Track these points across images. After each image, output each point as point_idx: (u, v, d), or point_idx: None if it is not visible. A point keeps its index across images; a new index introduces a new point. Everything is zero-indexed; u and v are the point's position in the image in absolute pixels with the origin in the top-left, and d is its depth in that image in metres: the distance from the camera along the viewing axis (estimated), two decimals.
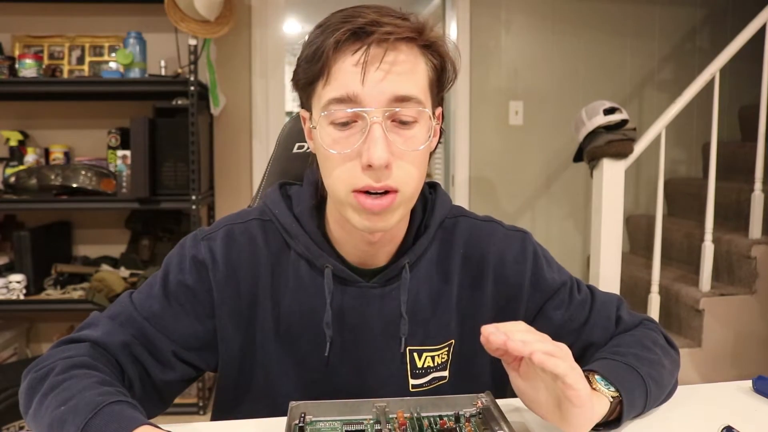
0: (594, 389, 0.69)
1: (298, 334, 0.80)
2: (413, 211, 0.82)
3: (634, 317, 0.88)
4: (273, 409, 0.79)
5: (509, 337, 0.61)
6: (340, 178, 0.71)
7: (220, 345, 0.81)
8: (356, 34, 0.68)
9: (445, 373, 0.84)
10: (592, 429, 0.71)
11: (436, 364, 0.83)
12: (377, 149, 0.67)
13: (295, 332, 0.80)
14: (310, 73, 0.71)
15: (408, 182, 0.71)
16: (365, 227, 0.72)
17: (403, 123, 0.70)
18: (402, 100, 0.69)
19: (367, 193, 0.70)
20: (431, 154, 0.80)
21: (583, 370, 0.72)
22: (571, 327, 0.85)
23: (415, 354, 0.82)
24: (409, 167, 0.71)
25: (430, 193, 0.87)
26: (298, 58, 0.74)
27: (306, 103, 0.76)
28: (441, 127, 0.80)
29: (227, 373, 0.83)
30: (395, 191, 0.70)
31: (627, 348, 0.80)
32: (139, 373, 0.77)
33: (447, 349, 0.83)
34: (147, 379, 0.78)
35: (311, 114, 0.75)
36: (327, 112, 0.70)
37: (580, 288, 0.89)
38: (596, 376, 0.72)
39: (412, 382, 0.82)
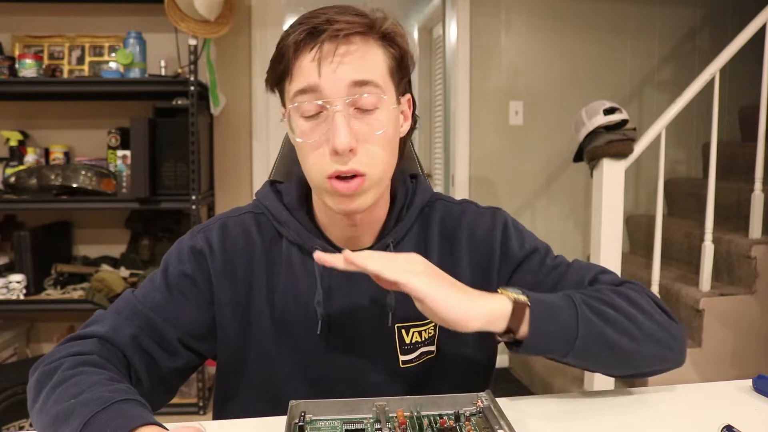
0: (499, 292, 0.73)
1: (293, 318, 0.83)
2: (395, 197, 0.87)
3: (616, 278, 0.85)
4: (271, 395, 0.83)
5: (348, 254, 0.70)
6: (313, 165, 0.76)
7: (218, 332, 0.84)
8: (311, 34, 0.74)
9: (433, 348, 0.86)
10: (508, 346, 0.73)
11: (423, 339, 0.85)
12: (340, 135, 0.72)
13: (289, 317, 0.83)
14: (277, 73, 0.78)
15: (374, 164, 0.76)
16: (341, 209, 0.78)
17: (365, 109, 0.75)
18: (359, 84, 0.74)
19: (339, 177, 0.75)
20: (405, 139, 0.85)
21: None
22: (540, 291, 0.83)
23: (403, 330, 0.84)
24: (375, 149, 0.76)
25: (412, 182, 0.92)
26: (270, 60, 0.80)
27: (282, 99, 0.82)
28: (414, 114, 0.85)
29: (226, 360, 0.85)
30: (362, 175, 0.75)
31: (578, 291, 0.78)
32: (147, 363, 0.79)
33: (433, 324, 0.86)
34: (154, 369, 0.80)
35: (286, 110, 0.80)
36: (295, 104, 0.76)
37: (558, 258, 0.89)
38: (509, 287, 0.74)
39: (402, 358, 0.84)
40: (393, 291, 0.82)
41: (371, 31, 0.76)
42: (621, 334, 0.75)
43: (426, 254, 0.86)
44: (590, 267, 0.87)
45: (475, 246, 0.87)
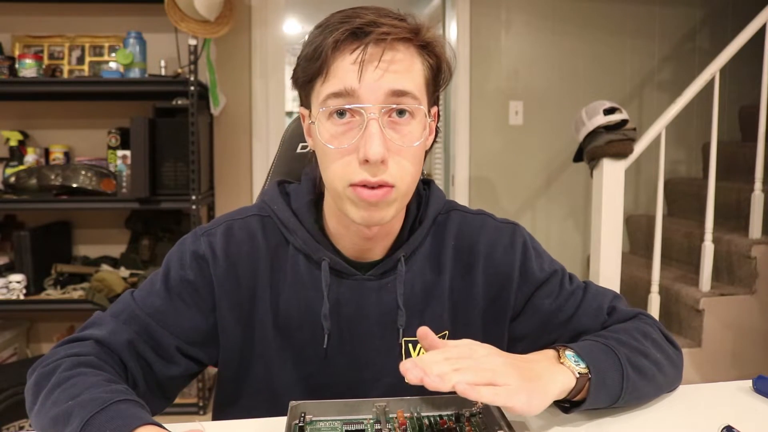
0: (561, 363, 0.72)
1: (296, 327, 0.81)
2: (408, 207, 0.84)
3: (630, 310, 0.88)
4: (272, 403, 0.81)
5: (426, 373, 0.61)
6: (337, 172, 0.73)
7: (221, 338, 0.82)
8: (354, 34, 0.70)
9: None
10: (561, 408, 0.74)
11: None
12: (374, 145, 0.69)
13: (293, 325, 0.81)
14: (309, 71, 0.73)
15: (403, 177, 0.73)
16: (362, 219, 0.74)
17: (400, 119, 0.72)
18: (398, 95, 0.71)
19: (364, 186, 0.71)
20: (427, 152, 0.82)
21: (557, 346, 0.75)
22: (561, 317, 0.85)
23: (410, 345, 0.83)
24: (405, 163, 0.73)
25: (425, 189, 0.89)
26: (298, 57, 0.76)
27: (305, 100, 0.78)
28: (437, 126, 0.82)
29: (227, 366, 0.84)
30: (391, 186, 0.72)
31: (611, 333, 0.80)
32: (143, 370, 0.78)
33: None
34: (151, 376, 0.79)
35: (310, 111, 0.76)
36: (325, 107, 0.72)
37: (572, 280, 0.89)
38: (566, 351, 0.73)
39: None
40: (403, 308, 0.81)
41: (415, 38, 0.72)
42: (652, 385, 0.78)
43: (438, 267, 0.84)
44: (604, 293, 0.88)
45: (492, 264, 0.85)
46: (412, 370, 0.61)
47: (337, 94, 0.70)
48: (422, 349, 0.81)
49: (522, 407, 0.64)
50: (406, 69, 0.71)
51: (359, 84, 0.69)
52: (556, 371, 0.71)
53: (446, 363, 0.64)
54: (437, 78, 0.77)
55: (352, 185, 0.72)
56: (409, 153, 0.73)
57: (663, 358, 0.81)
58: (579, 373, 0.71)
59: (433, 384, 0.60)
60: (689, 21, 3.29)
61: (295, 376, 0.82)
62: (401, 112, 0.72)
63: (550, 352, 0.74)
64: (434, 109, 0.80)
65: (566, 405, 0.73)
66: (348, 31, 0.70)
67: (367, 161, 0.69)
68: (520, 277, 0.85)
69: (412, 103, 0.72)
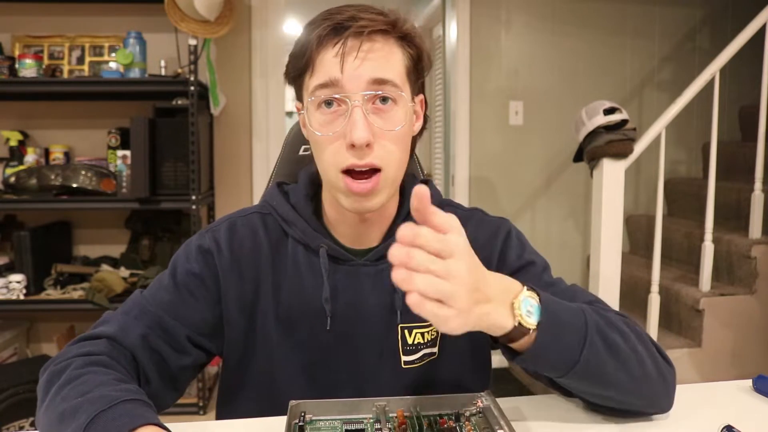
0: (512, 304, 0.66)
1: (297, 317, 0.84)
2: (404, 195, 0.88)
3: (614, 311, 0.81)
4: (274, 394, 0.83)
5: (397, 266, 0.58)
6: (328, 159, 0.78)
7: (225, 329, 0.85)
8: (335, 29, 0.76)
9: (435, 350, 0.87)
10: (506, 355, 0.69)
11: (426, 340, 0.86)
12: (357, 129, 0.74)
13: (294, 316, 0.84)
14: (297, 67, 0.80)
15: (390, 161, 0.77)
16: (354, 208, 0.79)
17: (383, 105, 0.77)
18: (379, 82, 0.76)
19: (353, 174, 0.76)
20: (416, 138, 0.87)
21: (528, 286, 0.69)
22: None
23: (406, 331, 0.85)
24: (390, 146, 0.77)
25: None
26: (289, 54, 0.82)
27: (298, 94, 0.83)
28: (426, 114, 0.87)
29: (231, 357, 0.86)
30: (378, 170, 0.76)
31: (595, 310, 0.75)
32: (156, 362, 0.80)
33: None
34: (164, 368, 0.81)
35: (303, 104, 0.81)
36: (313, 97, 0.77)
37: (552, 277, 0.87)
38: (525, 298, 0.66)
39: (404, 358, 0.85)
40: (400, 290, 0.80)
41: (393, 30, 0.78)
42: (624, 370, 0.71)
43: None
44: (585, 294, 0.84)
45: (474, 251, 0.84)
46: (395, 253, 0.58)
47: (323, 85, 0.76)
48: (417, 334, 0.85)
49: (446, 331, 0.60)
50: (384, 58, 0.76)
51: (341, 74, 0.75)
52: (500, 308, 0.65)
53: (416, 257, 0.58)
54: (418, 67, 0.81)
55: (343, 172, 0.76)
56: (394, 137, 0.77)
57: (647, 356, 0.74)
58: (519, 323, 0.65)
59: (396, 280, 0.58)
60: (689, 21, 3.29)
61: (296, 365, 0.84)
62: (384, 99, 0.77)
63: (515, 289, 0.68)
64: (420, 97, 0.84)
65: (514, 353, 0.68)
66: (329, 27, 0.75)
67: (353, 145, 0.74)
68: (499, 263, 0.87)
69: (394, 90, 0.77)
